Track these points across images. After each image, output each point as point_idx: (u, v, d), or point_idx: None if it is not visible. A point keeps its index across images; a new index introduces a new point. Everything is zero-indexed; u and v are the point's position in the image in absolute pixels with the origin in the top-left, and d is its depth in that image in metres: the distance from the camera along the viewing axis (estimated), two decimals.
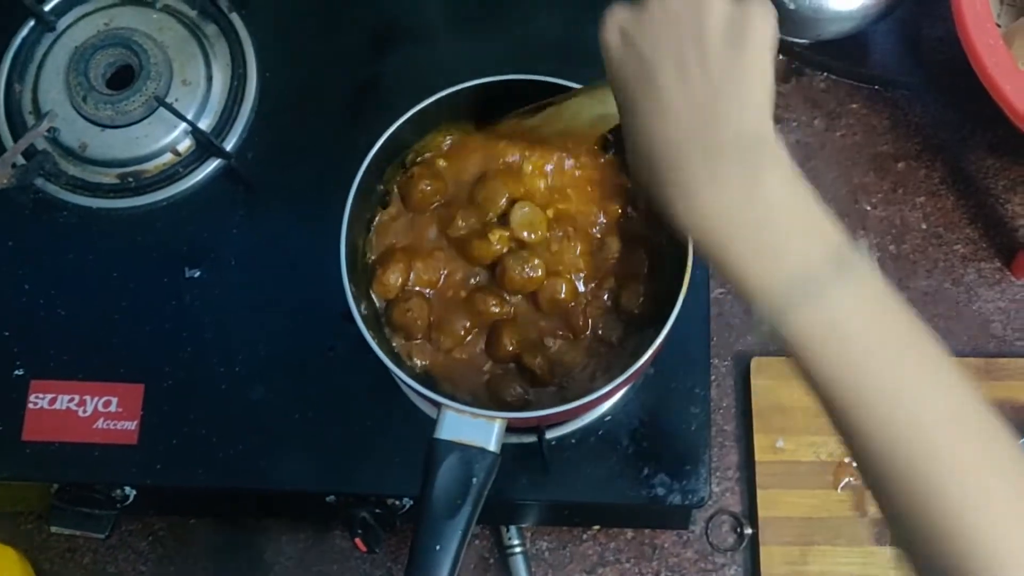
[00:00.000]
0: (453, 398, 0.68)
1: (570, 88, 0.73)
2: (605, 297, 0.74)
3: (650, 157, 0.57)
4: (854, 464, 0.87)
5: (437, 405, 0.67)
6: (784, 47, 1.01)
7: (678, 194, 0.55)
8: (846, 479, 0.88)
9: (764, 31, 0.57)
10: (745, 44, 0.56)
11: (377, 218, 0.76)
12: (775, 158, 0.55)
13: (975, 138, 0.99)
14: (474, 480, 0.64)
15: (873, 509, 0.87)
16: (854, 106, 1.01)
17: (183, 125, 0.87)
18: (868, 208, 0.97)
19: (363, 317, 0.70)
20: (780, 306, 0.52)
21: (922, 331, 0.53)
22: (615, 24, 0.59)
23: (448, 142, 0.77)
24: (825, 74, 1.01)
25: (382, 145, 0.73)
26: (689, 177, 0.55)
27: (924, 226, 0.97)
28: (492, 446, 0.66)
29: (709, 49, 0.56)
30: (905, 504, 0.51)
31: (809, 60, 1.01)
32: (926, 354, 0.53)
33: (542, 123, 0.74)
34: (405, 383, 0.69)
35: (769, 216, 0.54)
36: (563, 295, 0.73)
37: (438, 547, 0.63)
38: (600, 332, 0.74)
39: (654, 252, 0.75)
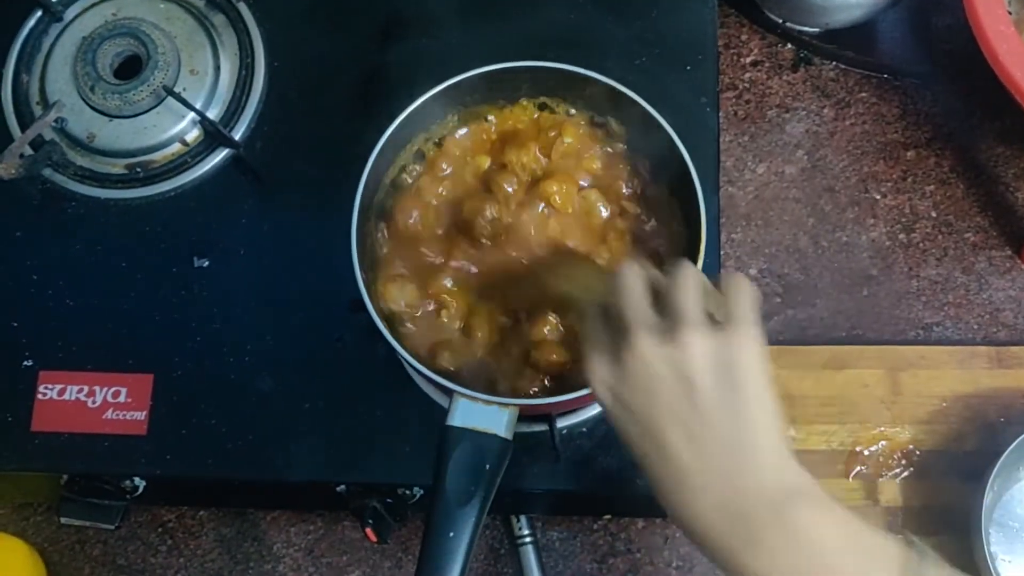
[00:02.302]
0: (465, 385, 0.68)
1: (578, 73, 0.73)
2: None
3: (686, 524, 0.55)
4: (866, 452, 0.87)
5: (449, 392, 0.67)
6: (793, 36, 1.01)
7: (727, 561, 0.54)
8: (857, 468, 0.88)
9: (753, 363, 0.55)
10: (738, 384, 0.55)
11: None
12: (810, 501, 0.54)
13: (985, 126, 0.99)
14: (487, 467, 0.64)
15: (884, 498, 0.87)
16: (863, 95, 1.00)
17: (191, 115, 0.86)
18: (878, 197, 0.97)
19: (375, 305, 0.70)
20: None
21: None
22: (601, 383, 0.58)
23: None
24: (834, 63, 1.01)
25: (392, 134, 0.73)
26: (731, 547, 0.53)
27: (934, 214, 0.97)
28: (504, 433, 0.65)
29: (705, 401, 0.54)
30: None
31: (818, 49, 1.01)
32: None
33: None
34: (418, 370, 0.69)
35: (823, 566, 0.53)
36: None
37: (452, 534, 0.63)
38: None
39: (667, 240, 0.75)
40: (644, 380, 0.56)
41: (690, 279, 0.58)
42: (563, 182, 0.74)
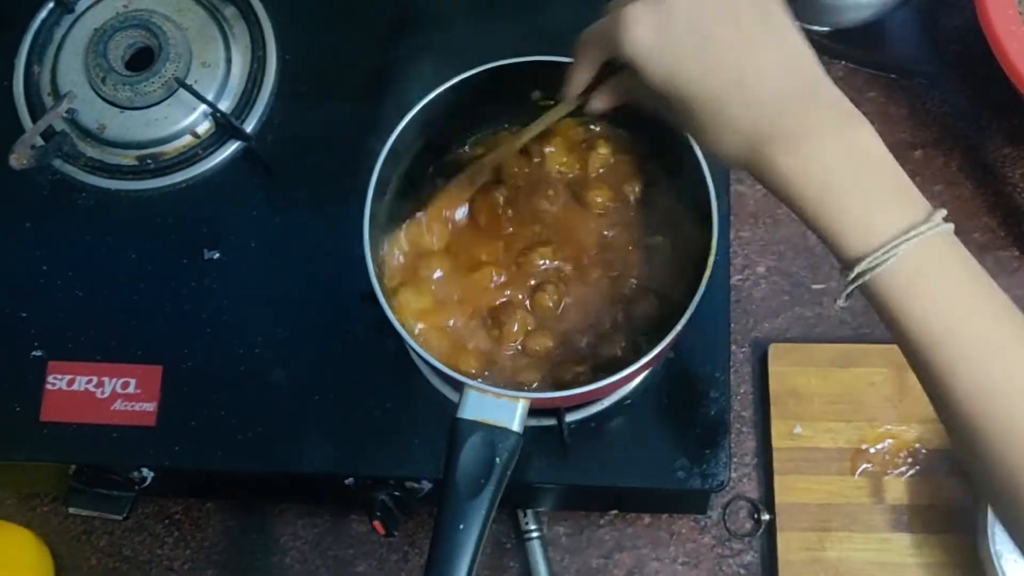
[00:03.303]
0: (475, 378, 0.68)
1: None
2: None
3: (741, 129, 0.56)
4: (872, 450, 0.87)
5: (460, 385, 0.67)
6: None
7: (779, 150, 0.54)
8: (863, 465, 0.88)
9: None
10: (771, 8, 0.57)
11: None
12: (857, 114, 0.56)
13: (993, 127, 0.99)
14: (497, 460, 0.64)
15: (890, 496, 0.87)
16: (872, 94, 1.00)
17: (202, 107, 0.87)
18: None
19: (385, 297, 0.70)
20: (878, 263, 0.53)
21: (1006, 298, 0.55)
22: (637, 21, 0.56)
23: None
24: (843, 63, 1.01)
25: (404, 127, 0.73)
26: (790, 134, 0.54)
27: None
28: (515, 426, 0.66)
29: (748, 22, 0.55)
30: (1001, 470, 0.52)
31: (827, 49, 1.01)
32: (1018, 318, 0.54)
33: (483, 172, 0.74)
34: (428, 363, 0.69)
35: (869, 170, 0.54)
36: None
37: (461, 527, 0.63)
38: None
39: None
40: (691, 10, 0.55)
41: None
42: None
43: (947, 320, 0.53)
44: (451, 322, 0.74)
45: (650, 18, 0.56)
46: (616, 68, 0.62)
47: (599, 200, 0.76)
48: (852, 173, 0.54)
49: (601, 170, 0.77)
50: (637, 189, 0.76)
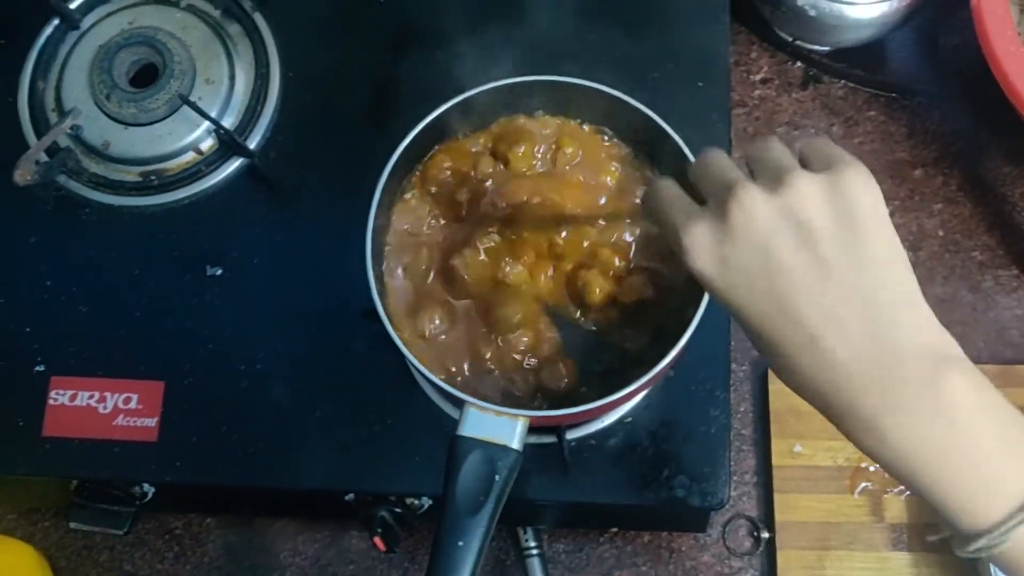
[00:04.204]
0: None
1: (595, 88, 0.74)
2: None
3: (814, 391, 0.51)
4: (871, 468, 0.87)
5: (460, 403, 0.67)
6: (803, 54, 1.02)
7: (860, 427, 0.50)
8: (863, 484, 0.88)
9: (875, 203, 0.49)
10: (862, 228, 0.49)
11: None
12: (960, 369, 0.49)
13: (992, 146, 1.00)
14: (497, 477, 0.64)
15: (889, 514, 0.87)
16: (872, 113, 1.01)
17: (206, 124, 0.87)
18: None
19: (388, 316, 0.70)
20: (996, 544, 0.48)
21: None
22: (700, 251, 0.51)
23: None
24: (843, 81, 1.02)
25: (407, 146, 0.73)
26: (869, 409, 0.49)
27: (941, 233, 0.97)
28: (515, 444, 0.66)
29: (829, 250, 0.49)
30: None
31: (828, 67, 1.02)
32: None
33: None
34: (429, 380, 0.69)
35: (968, 440, 0.48)
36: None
37: (460, 543, 0.63)
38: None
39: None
40: (757, 236, 0.49)
41: (770, 140, 0.53)
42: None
43: None
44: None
45: (713, 249, 0.50)
46: None
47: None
48: (949, 445, 0.48)
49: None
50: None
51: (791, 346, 0.50)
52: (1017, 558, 0.49)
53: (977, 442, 0.48)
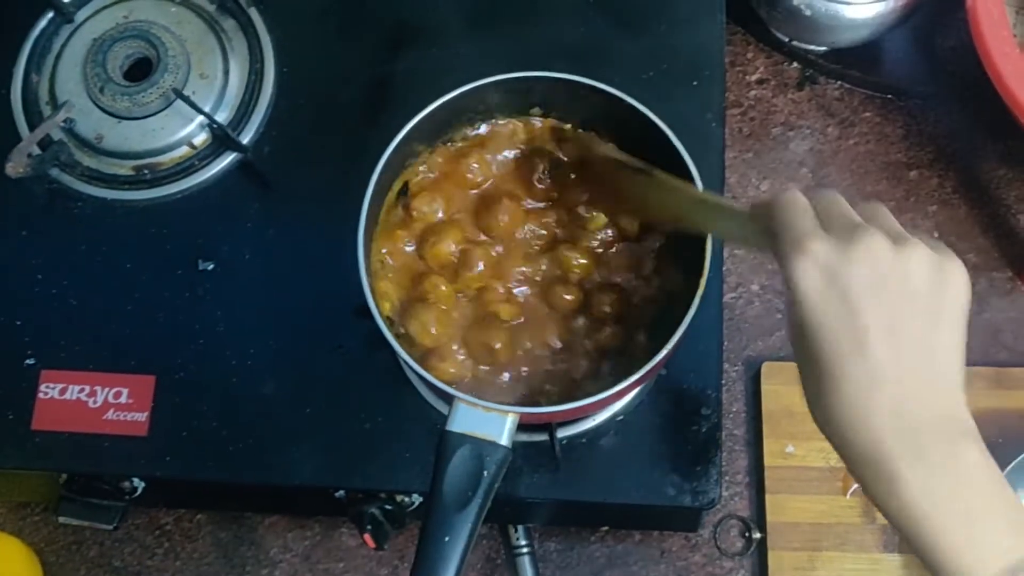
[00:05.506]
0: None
1: (589, 85, 0.74)
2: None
3: (845, 428, 0.53)
4: None
5: (450, 398, 0.67)
6: (799, 55, 1.02)
7: (879, 473, 0.53)
8: (855, 485, 0.88)
9: (963, 292, 0.55)
10: (947, 306, 0.54)
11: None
12: (976, 443, 0.53)
13: (988, 148, 1.00)
14: (485, 473, 0.64)
15: (881, 516, 0.87)
16: (867, 114, 1.01)
17: (200, 118, 0.87)
18: None
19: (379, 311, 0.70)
20: None
21: None
22: (815, 262, 0.54)
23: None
24: (839, 82, 1.02)
25: (400, 142, 0.73)
26: (895, 457, 0.52)
27: (936, 235, 0.97)
28: (504, 440, 0.66)
29: (917, 312, 0.53)
30: None
31: (823, 68, 1.02)
32: None
33: (634, 183, 0.71)
34: (420, 376, 0.69)
35: (977, 503, 0.52)
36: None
37: (447, 539, 0.63)
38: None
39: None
40: (870, 270, 0.53)
41: (882, 208, 0.58)
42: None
43: None
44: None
45: (829, 266, 0.53)
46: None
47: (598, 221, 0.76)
48: (955, 503, 0.52)
49: None
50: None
51: (847, 380, 0.53)
52: None
53: (981, 509, 0.53)
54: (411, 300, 0.74)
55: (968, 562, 0.52)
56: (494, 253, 0.75)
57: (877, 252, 0.53)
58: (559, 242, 0.76)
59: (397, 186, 0.76)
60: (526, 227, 0.76)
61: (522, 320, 0.74)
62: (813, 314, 0.54)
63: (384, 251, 0.75)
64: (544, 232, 0.76)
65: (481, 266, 0.74)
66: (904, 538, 0.54)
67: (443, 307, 0.74)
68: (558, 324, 0.74)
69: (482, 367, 0.73)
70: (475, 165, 0.77)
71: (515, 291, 0.75)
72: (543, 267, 0.75)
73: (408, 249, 0.76)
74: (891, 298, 0.53)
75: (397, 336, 0.71)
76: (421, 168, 0.77)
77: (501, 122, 0.78)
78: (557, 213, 0.76)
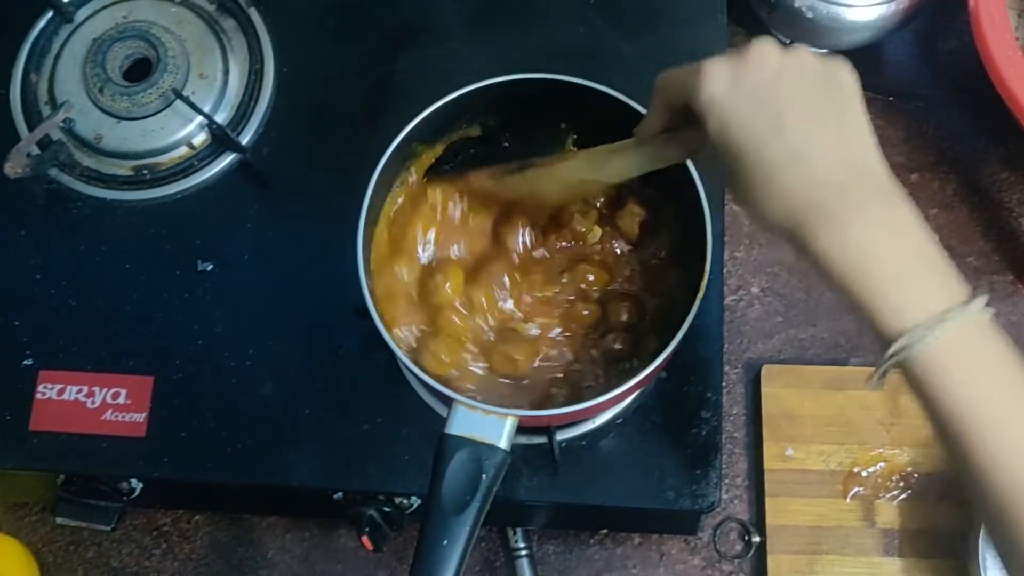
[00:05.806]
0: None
1: (589, 87, 0.73)
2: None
3: (787, 199, 0.56)
4: (864, 473, 0.87)
5: (449, 401, 0.67)
6: None
7: (825, 225, 0.55)
8: (855, 489, 0.87)
9: (853, 81, 0.59)
10: (843, 90, 0.58)
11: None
12: (908, 201, 0.57)
13: (989, 151, 0.99)
14: (483, 476, 0.64)
15: (881, 519, 0.87)
16: (869, 116, 1.00)
17: (199, 118, 0.87)
18: None
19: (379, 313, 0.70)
20: (914, 342, 0.53)
21: None
22: (716, 75, 0.58)
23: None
24: None
25: (399, 143, 0.73)
26: (836, 213, 0.55)
27: (937, 238, 0.96)
28: (503, 443, 0.65)
29: (819, 92, 0.57)
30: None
31: None
32: None
33: (521, 182, 0.73)
34: (418, 378, 0.69)
35: (908, 251, 0.55)
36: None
37: (445, 542, 0.63)
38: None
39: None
40: (768, 68, 0.57)
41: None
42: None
43: (986, 406, 0.53)
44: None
45: (729, 74, 0.58)
46: (688, 118, 0.62)
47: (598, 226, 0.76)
48: (890, 253, 0.55)
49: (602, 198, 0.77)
50: (637, 211, 0.76)
51: (772, 165, 0.57)
52: (930, 365, 0.53)
53: (914, 261, 0.55)
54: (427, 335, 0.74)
55: (899, 305, 0.54)
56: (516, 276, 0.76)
57: (768, 53, 0.58)
58: (576, 261, 0.76)
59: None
60: (539, 251, 0.77)
61: (540, 333, 0.75)
62: (730, 115, 0.57)
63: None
64: (558, 255, 0.76)
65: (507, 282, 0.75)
66: (840, 293, 0.55)
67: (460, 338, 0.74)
68: (576, 337, 0.75)
69: (502, 380, 0.74)
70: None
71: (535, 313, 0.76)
72: (563, 280, 0.76)
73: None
74: (792, 85, 0.57)
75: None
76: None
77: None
78: (559, 235, 0.76)
